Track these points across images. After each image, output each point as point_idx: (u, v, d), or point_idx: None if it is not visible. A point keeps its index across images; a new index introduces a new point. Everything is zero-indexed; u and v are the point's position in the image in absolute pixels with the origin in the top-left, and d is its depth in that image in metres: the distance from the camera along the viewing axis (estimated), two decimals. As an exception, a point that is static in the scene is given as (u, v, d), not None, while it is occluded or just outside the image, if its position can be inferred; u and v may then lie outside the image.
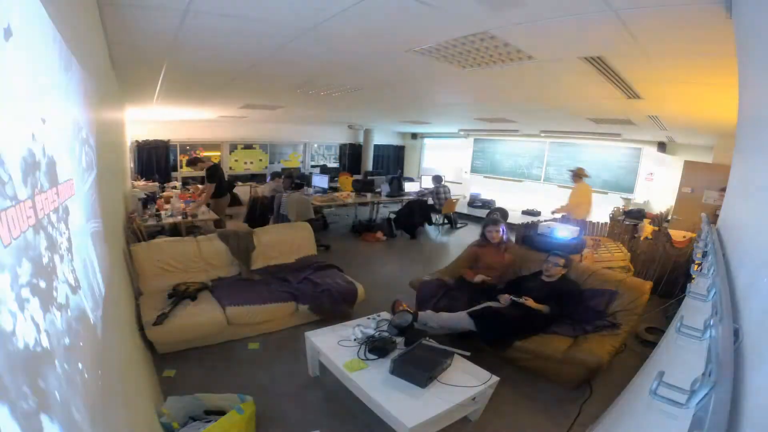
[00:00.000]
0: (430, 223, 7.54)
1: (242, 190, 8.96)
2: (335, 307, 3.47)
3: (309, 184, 7.94)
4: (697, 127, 5.02)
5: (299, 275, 3.82)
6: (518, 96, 4.29)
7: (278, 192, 6.53)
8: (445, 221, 8.02)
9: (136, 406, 1.63)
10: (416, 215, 7.13)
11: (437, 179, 8.04)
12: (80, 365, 0.86)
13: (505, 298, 3.08)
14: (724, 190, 3.07)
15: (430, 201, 7.90)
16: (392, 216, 7.27)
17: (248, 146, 9.97)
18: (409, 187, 8.17)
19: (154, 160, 8.41)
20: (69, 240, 0.97)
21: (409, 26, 2.20)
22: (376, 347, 2.42)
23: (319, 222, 6.57)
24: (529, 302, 2.96)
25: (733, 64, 1.68)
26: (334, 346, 2.51)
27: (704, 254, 1.41)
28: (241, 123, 9.18)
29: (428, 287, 3.50)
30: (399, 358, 2.26)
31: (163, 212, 5.22)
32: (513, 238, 4.47)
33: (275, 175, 8.06)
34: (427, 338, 2.62)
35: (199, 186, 8.06)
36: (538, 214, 8.47)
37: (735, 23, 1.50)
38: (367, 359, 2.37)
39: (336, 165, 11.54)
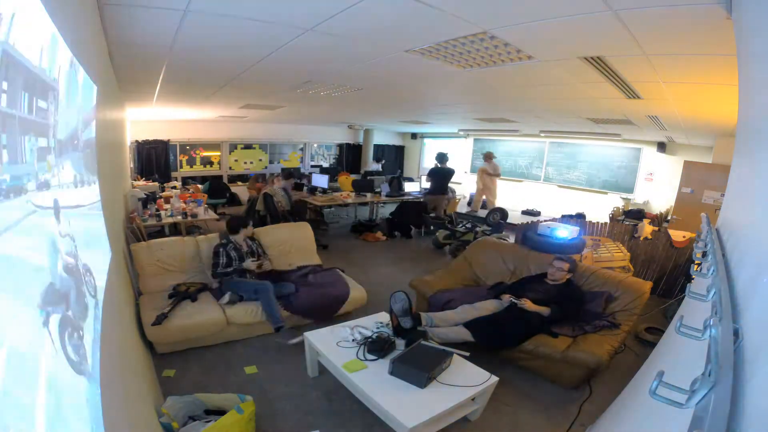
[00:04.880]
0: (427, 224, 7.43)
1: (242, 190, 8.97)
2: (315, 312, 3.39)
3: (309, 183, 7.94)
4: (697, 127, 5.02)
5: (297, 274, 3.84)
6: (518, 96, 4.28)
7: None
8: (449, 222, 8.00)
9: (136, 406, 1.63)
10: (410, 216, 7.10)
11: None
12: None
13: (506, 298, 3.08)
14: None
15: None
16: (389, 216, 7.27)
17: (248, 146, 9.98)
18: (409, 187, 8.16)
19: (154, 159, 8.41)
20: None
21: (409, 26, 2.19)
22: (375, 348, 2.42)
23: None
24: (528, 304, 2.95)
25: (733, 64, 1.69)
26: (333, 346, 2.50)
27: (704, 254, 1.40)
28: (241, 123, 9.18)
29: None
30: (398, 358, 2.25)
31: (163, 212, 5.23)
32: (512, 239, 4.47)
33: (271, 177, 7.73)
34: (429, 338, 2.63)
35: (199, 186, 8.07)
36: (537, 214, 8.47)
37: (735, 23, 1.50)
38: (366, 360, 2.37)
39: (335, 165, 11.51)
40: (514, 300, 3.01)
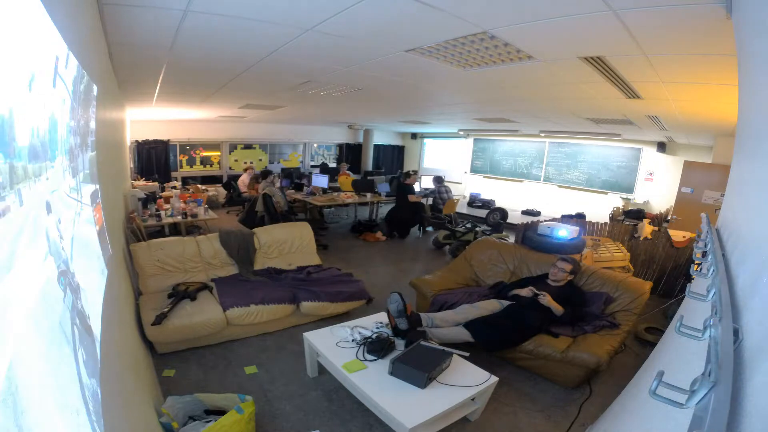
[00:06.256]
0: (424, 224, 7.39)
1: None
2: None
3: (309, 184, 7.94)
4: (697, 127, 5.02)
5: (301, 273, 3.86)
6: (518, 96, 4.28)
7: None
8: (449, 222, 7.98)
9: (136, 406, 1.63)
10: (406, 216, 7.07)
11: (438, 180, 8.02)
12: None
13: (526, 291, 3.09)
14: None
15: (430, 201, 7.89)
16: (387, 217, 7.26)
17: (248, 146, 9.98)
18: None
19: (154, 159, 8.42)
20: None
21: (409, 26, 2.20)
22: (374, 348, 2.42)
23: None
24: (548, 298, 2.95)
25: (733, 64, 1.69)
26: (333, 346, 2.50)
27: (704, 254, 1.40)
28: (241, 123, 9.18)
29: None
30: (398, 358, 2.25)
31: (163, 212, 5.23)
32: (512, 239, 4.47)
33: (266, 175, 7.15)
34: (428, 338, 2.62)
35: (199, 186, 8.07)
36: (537, 214, 8.47)
37: (735, 23, 1.50)
38: (366, 360, 2.37)
39: (334, 165, 11.50)
40: (536, 291, 3.02)
